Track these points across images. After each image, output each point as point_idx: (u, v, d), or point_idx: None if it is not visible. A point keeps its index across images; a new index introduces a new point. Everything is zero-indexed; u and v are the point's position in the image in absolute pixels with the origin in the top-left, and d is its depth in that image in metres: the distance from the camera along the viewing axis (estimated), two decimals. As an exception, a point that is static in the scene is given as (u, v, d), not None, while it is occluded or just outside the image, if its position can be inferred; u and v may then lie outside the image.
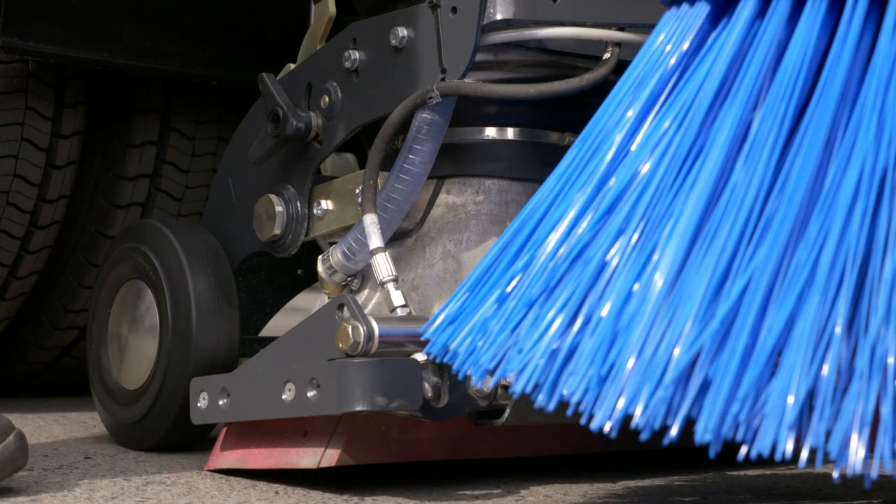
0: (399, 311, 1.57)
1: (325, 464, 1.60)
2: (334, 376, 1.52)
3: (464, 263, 1.68)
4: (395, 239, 1.71)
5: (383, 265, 1.60)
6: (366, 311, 1.66)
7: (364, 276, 1.71)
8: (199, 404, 1.73)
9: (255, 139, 1.84)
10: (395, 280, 1.59)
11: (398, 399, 1.50)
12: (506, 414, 1.60)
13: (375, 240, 1.62)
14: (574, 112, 1.69)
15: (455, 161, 1.73)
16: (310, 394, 1.55)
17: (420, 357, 1.53)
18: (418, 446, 1.67)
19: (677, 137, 1.29)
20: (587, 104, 1.57)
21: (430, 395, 1.54)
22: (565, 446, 1.78)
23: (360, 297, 1.70)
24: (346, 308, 1.53)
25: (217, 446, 1.75)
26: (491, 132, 1.73)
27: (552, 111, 1.74)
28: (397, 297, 1.58)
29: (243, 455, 1.71)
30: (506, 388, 1.57)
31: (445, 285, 1.67)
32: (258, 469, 1.69)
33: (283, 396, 1.58)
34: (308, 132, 1.77)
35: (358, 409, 1.50)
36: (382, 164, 1.67)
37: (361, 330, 1.51)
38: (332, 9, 1.82)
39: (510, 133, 1.74)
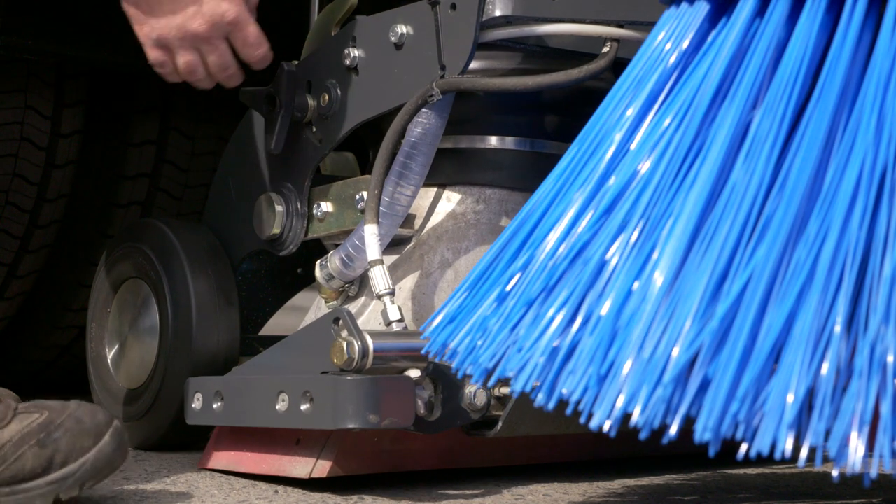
0: (395, 326, 1.57)
1: (316, 474, 1.60)
2: (328, 392, 1.52)
3: (461, 273, 1.68)
4: (394, 245, 1.71)
5: (380, 278, 1.60)
6: (362, 318, 1.66)
7: (362, 282, 1.71)
8: (193, 405, 1.73)
9: (254, 138, 1.84)
10: (392, 293, 1.59)
11: (390, 417, 1.50)
12: (498, 425, 1.59)
13: (374, 251, 1.61)
14: (575, 121, 1.68)
15: (456, 168, 1.72)
16: (303, 407, 1.55)
17: (414, 373, 1.53)
18: (410, 457, 1.67)
19: (677, 136, 1.29)
20: (589, 114, 1.57)
21: (422, 411, 1.54)
22: (556, 455, 1.78)
23: (357, 304, 1.70)
24: (341, 323, 1.52)
25: (210, 446, 1.75)
26: (493, 140, 1.73)
27: (553, 120, 1.74)
28: (393, 312, 1.57)
29: (237, 458, 1.71)
30: (499, 399, 1.57)
31: (443, 294, 1.67)
32: (251, 473, 1.69)
33: (277, 407, 1.58)
34: (304, 110, 1.76)
35: (350, 426, 1.50)
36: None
37: (356, 346, 1.50)
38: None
39: (511, 142, 1.73)
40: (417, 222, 1.72)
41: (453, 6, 1.63)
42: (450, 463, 1.70)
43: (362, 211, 1.70)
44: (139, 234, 1.94)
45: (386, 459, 1.65)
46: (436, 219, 1.72)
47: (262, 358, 1.66)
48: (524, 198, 1.72)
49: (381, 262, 1.60)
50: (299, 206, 1.80)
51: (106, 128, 2.53)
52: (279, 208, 1.81)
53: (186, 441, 1.91)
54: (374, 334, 1.51)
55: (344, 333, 1.51)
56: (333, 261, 1.70)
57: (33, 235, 2.49)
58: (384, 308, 1.58)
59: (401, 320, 1.57)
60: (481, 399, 1.56)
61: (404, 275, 1.69)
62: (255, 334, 1.95)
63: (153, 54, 1.66)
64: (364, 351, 1.50)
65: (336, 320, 1.53)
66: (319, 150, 1.79)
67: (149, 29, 1.64)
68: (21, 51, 2.18)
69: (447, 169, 1.71)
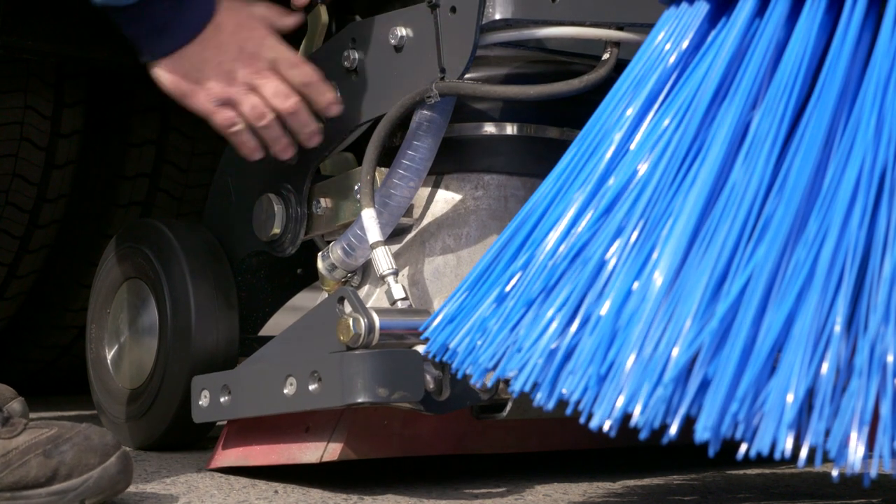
0: (400, 304, 1.57)
1: (327, 458, 1.60)
2: (336, 368, 1.52)
3: (463, 258, 1.68)
4: (395, 235, 1.71)
5: (383, 259, 1.60)
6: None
7: (364, 271, 1.72)
8: (200, 402, 1.73)
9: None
10: (395, 273, 1.59)
11: (400, 390, 1.50)
12: (507, 408, 1.59)
13: (374, 234, 1.62)
14: (573, 107, 1.69)
15: (454, 156, 1.73)
16: (311, 387, 1.54)
17: (421, 348, 1.53)
18: (420, 440, 1.67)
19: (676, 136, 1.29)
20: (586, 100, 1.57)
21: (431, 387, 1.53)
22: (568, 441, 1.78)
23: (361, 293, 1.70)
24: (346, 301, 1.53)
25: (219, 445, 1.75)
26: (490, 128, 1.73)
27: (551, 107, 1.74)
28: (398, 290, 1.58)
29: (245, 453, 1.71)
30: (507, 381, 1.57)
31: (445, 280, 1.67)
32: (260, 466, 1.69)
33: (285, 391, 1.58)
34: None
35: (360, 400, 1.50)
36: (380, 160, 1.67)
37: (362, 322, 1.50)
38: (325, 17, 1.82)
39: (509, 129, 1.74)
40: (417, 212, 1.72)
41: (453, 9, 1.63)
42: (460, 448, 1.70)
43: (361, 200, 1.70)
44: (138, 235, 1.94)
45: (397, 443, 1.65)
46: (435, 207, 1.72)
47: (267, 347, 1.66)
48: (523, 182, 1.73)
49: (382, 242, 1.61)
50: (299, 207, 1.80)
51: (106, 128, 2.53)
52: (279, 209, 1.81)
53: (186, 441, 1.91)
54: (379, 311, 1.52)
55: (349, 310, 1.52)
56: (335, 250, 1.70)
57: (33, 235, 2.49)
58: (388, 288, 1.58)
59: (405, 298, 1.57)
60: (489, 382, 1.56)
61: (406, 263, 1.69)
62: (254, 335, 1.95)
63: (220, 118, 1.66)
64: (370, 326, 1.50)
65: (340, 299, 1.53)
66: (319, 151, 1.79)
67: (205, 95, 1.64)
68: (21, 51, 2.18)
69: (445, 157, 1.71)
